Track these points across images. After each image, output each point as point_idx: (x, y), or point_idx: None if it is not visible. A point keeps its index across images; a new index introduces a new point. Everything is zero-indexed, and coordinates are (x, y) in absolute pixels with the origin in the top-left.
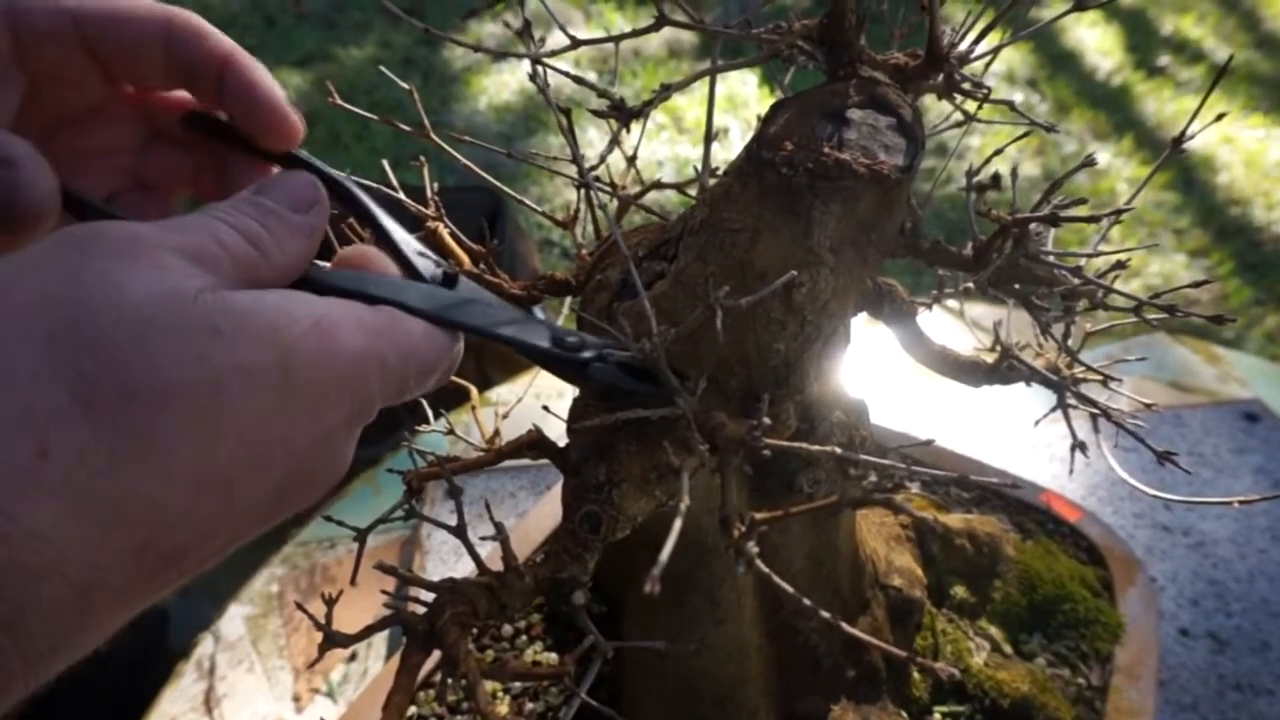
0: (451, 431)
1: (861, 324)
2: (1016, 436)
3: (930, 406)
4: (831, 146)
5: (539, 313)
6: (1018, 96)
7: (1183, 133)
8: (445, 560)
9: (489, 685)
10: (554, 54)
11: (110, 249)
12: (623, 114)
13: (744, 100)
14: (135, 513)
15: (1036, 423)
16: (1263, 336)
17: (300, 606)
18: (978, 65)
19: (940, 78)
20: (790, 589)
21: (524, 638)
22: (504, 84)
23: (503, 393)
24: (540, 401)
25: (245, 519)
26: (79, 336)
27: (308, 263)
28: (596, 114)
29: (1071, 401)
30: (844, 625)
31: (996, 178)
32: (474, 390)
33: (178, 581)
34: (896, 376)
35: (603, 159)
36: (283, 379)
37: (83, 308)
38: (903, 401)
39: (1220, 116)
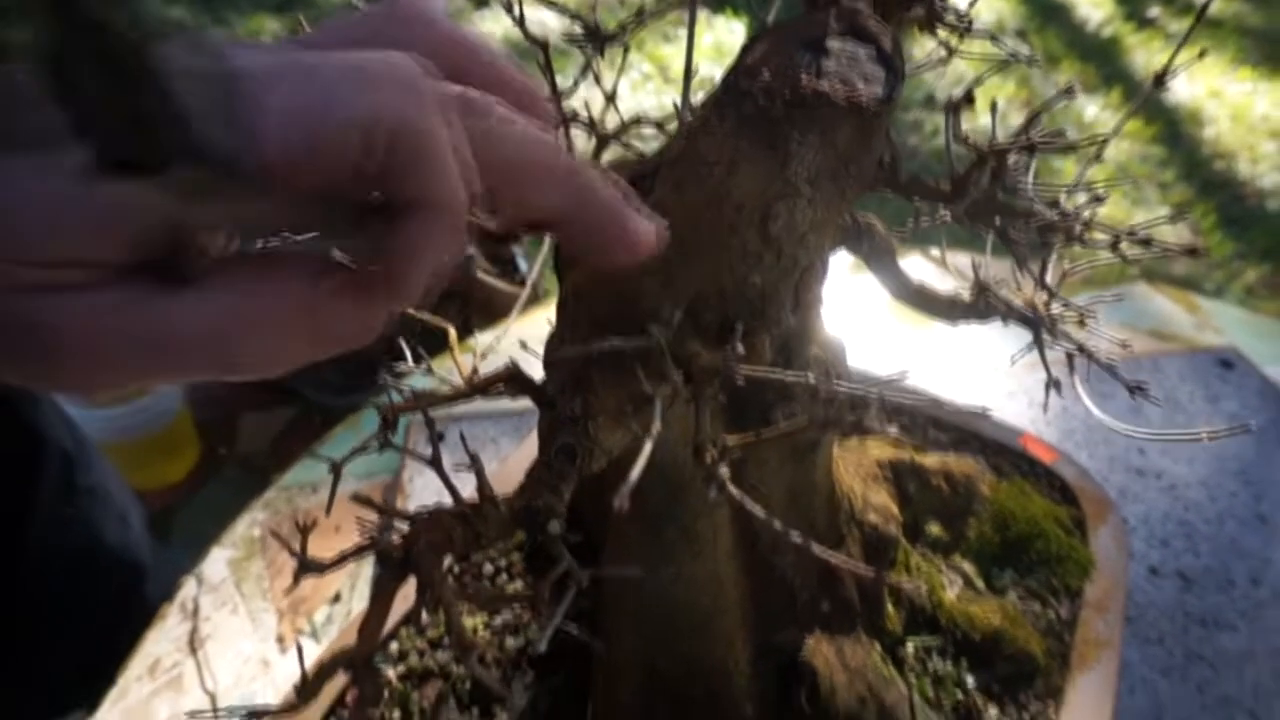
0: (431, 371)
1: (843, 276)
2: (996, 383)
3: (910, 355)
4: (810, 76)
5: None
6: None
7: (1165, 69)
8: (427, 504)
9: (469, 623)
10: None
11: None
12: (597, 39)
13: (731, 49)
14: None
15: (1013, 360)
16: (1242, 290)
17: (275, 535)
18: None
19: (921, 7)
20: (762, 513)
21: (504, 576)
22: (487, 34)
23: (485, 339)
24: (523, 349)
25: None
26: None
27: None
28: (571, 41)
29: (1047, 340)
30: (816, 547)
31: (970, 95)
32: (453, 331)
33: None
34: (876, 327)
35: (576, 84)
36: None
37: None
38: (882, 351)
39: (1202, 54)
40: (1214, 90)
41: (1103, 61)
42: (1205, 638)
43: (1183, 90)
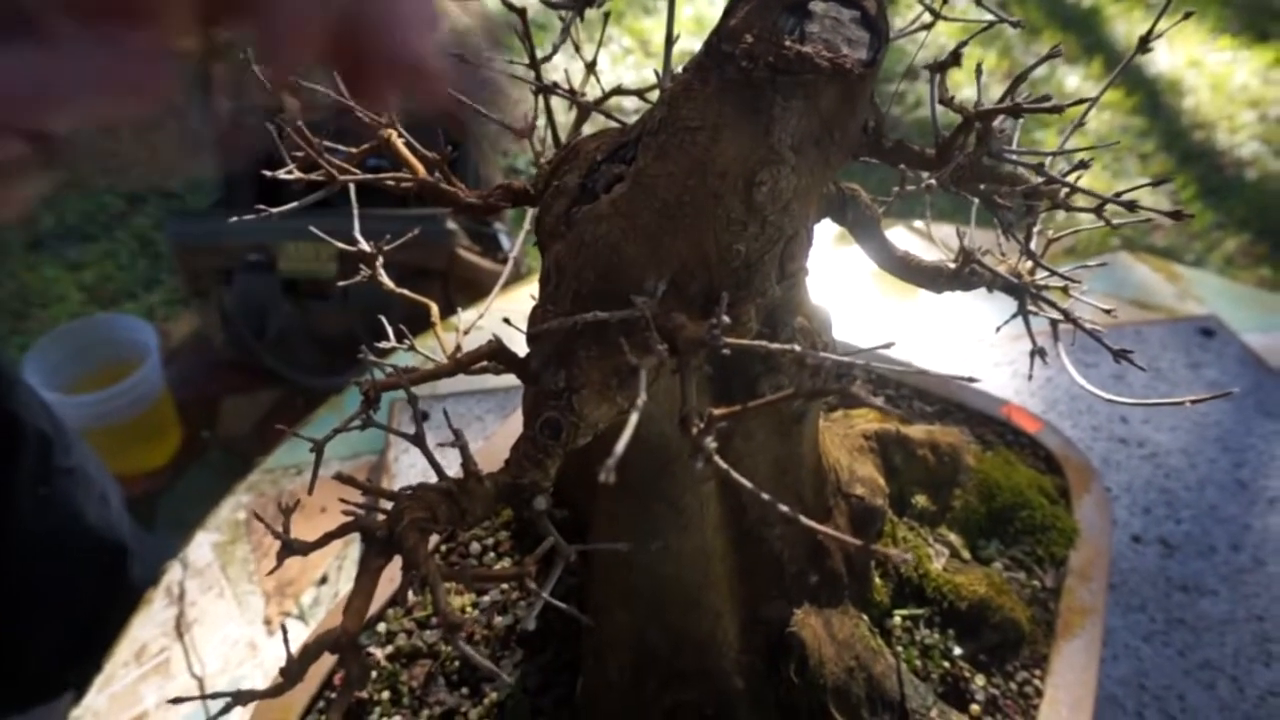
0: (413, 347)
1: (829, 248)
2: (981, 354)
3: (895, 326)
4: (793, 40)
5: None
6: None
7: (1149, 32)
8: (412, 484)
9: (457, 602)
10: None
11: None
12: (578, 2)
13: (711, 21)
14: None
15: (998, 329)
16: (1222, 259)
17: (258, 516)
18: None
19: None
20: (750, 485)
21: (492, 554)
22: (465, 7)
23: (467, 317)
24: (505, 326)
25: None
26: None
27: None
28: (549, 4)
29: (1032, 308)
30: (804, 519)
31: (957, 56)
32: (434, 308)
33: None
34: (861, 298)
35: (556, 48)
36: None
37: None
38: (868, 322)
39: (1188, 14)
40: (1193, 60)
41: (1084, 32)
42: (1187, 603)
43: (1163, 60)
